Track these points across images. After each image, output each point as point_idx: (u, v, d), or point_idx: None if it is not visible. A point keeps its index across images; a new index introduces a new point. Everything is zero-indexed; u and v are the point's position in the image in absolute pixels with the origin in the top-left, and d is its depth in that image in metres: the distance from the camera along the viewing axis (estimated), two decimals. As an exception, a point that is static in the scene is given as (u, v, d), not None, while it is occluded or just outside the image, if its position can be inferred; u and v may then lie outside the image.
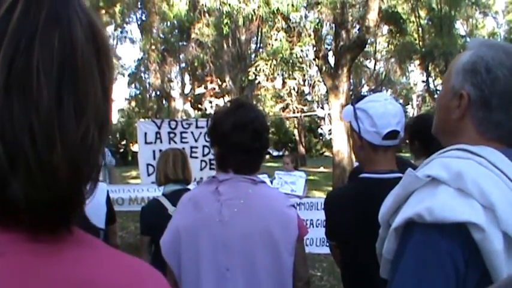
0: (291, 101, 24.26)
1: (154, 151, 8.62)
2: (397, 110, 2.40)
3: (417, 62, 30.71)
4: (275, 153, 44.87)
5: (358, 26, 17.37)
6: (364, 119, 2.40)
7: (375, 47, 31.22)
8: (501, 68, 1.38)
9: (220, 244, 2.27)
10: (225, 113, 2.47)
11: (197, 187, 2.68)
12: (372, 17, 16.07)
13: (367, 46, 23.24)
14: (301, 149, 37.92)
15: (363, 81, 38.26)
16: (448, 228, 1.21)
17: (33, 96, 0.67)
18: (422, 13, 27.71)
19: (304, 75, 19.91)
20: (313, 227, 7.88)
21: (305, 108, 32.16)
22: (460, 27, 35.02)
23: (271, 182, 8.89)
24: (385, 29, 23.75)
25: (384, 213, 1.48)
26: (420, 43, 27.36)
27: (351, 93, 22.19)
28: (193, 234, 2.30)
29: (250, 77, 17.63)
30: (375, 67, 35.77)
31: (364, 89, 37.94)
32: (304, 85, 25.96)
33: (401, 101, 41.34)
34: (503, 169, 1.29)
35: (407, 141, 3.99)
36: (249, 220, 2.30)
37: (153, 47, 29.24)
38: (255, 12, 15.74)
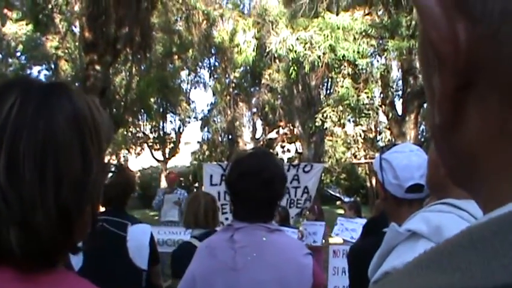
0: (357, 148, 24.02)
1: (219, 192, 8.78)
2: (421, 162, 2.30)
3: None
4: (346, 199, 44.06)
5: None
6: (388, 170, 2.35)
7: (447, 93, 30.52)
8: None
9: None
10: (236, 162, 2.52)
11: (214, 234, 2.72)
12: (440, 63, 15.84)
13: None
14: (372, 195, 37.17)
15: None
16: None
17: (19, 175, 0.91)
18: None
19: (371, 121, 19.77)
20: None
21: (376, 154, 31.58)
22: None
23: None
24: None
25: (371, 269, 1.48)
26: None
27: (422, 139, 21.73)
28: (207, 282, 2.32)
29: (317, 123, 17.65)
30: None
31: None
32: (372, 131, 25.67)
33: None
34: None
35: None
36: (262, 268, 2.30)
37: (225, 92, 29.74)
38: (320, 59, 15.87)
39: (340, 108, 16.67)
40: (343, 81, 16.56)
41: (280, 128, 35.15)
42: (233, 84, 30.11)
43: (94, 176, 1.02)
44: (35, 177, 0.92)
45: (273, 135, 36.72)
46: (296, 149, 34.96)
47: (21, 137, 0.92)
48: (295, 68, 17.74)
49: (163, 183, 23.93)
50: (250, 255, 2.32)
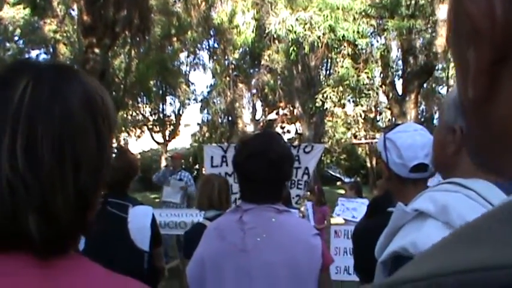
0: (358, 128, 24.03)
1: (220, 174, 8.82)
2: (426, 141, 2.30)
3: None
4: (347, 180, 44.07)
5: (426, 52, 17.14)
6: (392, 150, 2.35)
7: (447, 72, 30.61)
8: None
9: (244, 273, 2.29)
10: (243, 143, 2.52)
11: (222, 216, 2.72)
12: (440, 42, 15.85)
13: (439, 71, 22.76)
14: (373, 175, 37.24)
15: (435, 108, 37.41)
16: None
17: (38, 158, 0.89)
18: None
19: (372, 101, 19.80)
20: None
21: (377, 134, 31.70)
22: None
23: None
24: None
25: (377, 249, 1.48)
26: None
27: (422, 119, 21.72)
28: (217, 263, 2.33)
29: (317, 104, 17.65)
30: (447, 93, 34.73)
31: (437, 115, 37.09)
32: (372, 112, 25.72)
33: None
34: (493, 201, 1.26)
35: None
36: (272, 249, 2.30)
37: (224, 74, 29.70)
38: (320, 39, 15.84)
39: (340, 88, 16.69)
40: (343, 62, 16.56)
41: (280, 109, 35.14)
42: (232, 66, 30.05)
43: (107, 158, 1.03)
44: (54, 162, 0.91)
45: (272, 116, 36.71)
46: (296, 130, 34.96)
47: (38, 120, 0.91)
48: (295, 48, 17.71)
49: (163, 165, 23.96)
50: (259, 236, 2.32)
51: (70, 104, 0.96)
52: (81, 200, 0.95)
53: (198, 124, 37.16)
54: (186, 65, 34.28)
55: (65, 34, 27.35)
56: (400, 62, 19.69)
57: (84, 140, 0.96)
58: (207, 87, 38.54)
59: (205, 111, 34.76)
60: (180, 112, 35.84)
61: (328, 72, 25.21)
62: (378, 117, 27.81)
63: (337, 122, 29.87)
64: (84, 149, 0.96)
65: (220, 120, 34.03)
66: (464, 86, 0.46)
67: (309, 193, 9.71)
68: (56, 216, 0.91)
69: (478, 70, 0.43)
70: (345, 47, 16.39)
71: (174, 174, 10.97)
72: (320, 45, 16.28)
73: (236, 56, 29.44)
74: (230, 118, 33.29)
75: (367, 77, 16.40)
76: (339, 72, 16.81)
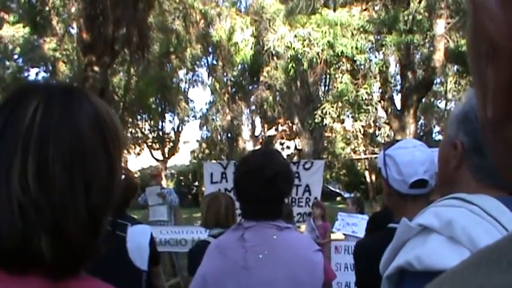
0: (357, 143, 24.05)
1: (220, 190, 8.81)
2: (425, 157, 2.31)
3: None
4: (346, 195, 43.92)
5: (424, 67, 17.20)
6: (391, 166, 2.35)
7: (446, 86, 30.63)
8: None
9: None
10: (241, 160, 2.53)
11: (224, 234, 2.71)
12: (438, 57, 15.93)
13: (437, 85, 22.76)
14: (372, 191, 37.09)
15: (434, 122, 37.37)
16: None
17: (49, 180, 0.90)
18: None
19: (371, 116, 19.85)
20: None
21: (376, 149, 31.59)
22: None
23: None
24: (455, 68, 23.34)
25: (382, 264, 1.48)
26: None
27: (421, 134, 21.67)
28: (219, 281, 2.33)
29: (316, 120, 17.69)
30: (446, 107, 34.90)
31: (436, 129, 37.13)
32: (371, 127, 25.72)
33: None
34: (497, 217, 1.26)
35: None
36: (274, 266, 2.30)
37: (223, 90, 29.77)
38: (319, 55, 15.92)
39: (339, 104, 16.74)
40: (341, 77, 16.63)
41: (279, 125, 35.15)
42: (231, 83, 30.14)
43: (118, 180, 1.03)
44: (65, 183, 0.91)
45: (272, 132, 36.72)
46: (295, 146, 34.92)
47: (49, 142, 0.91)
48: (294, 65, 17.77)
49: (163, 183, 23.95)
50: (261, 254, 2.32)
51: (80, 125, 0.96)
52: (93, 220, 0.95)
53: (198, 141, 37.19)
54: (185, 82, 34.41)
55: (64, 52, 27.42)
56: (398, 77, 19.79)
57: (94, 161, 0.97)
58: (206, 104, 38.62)
59: (205, 128, 34.82)
60: (180, 129, 35.84)
61: (327, 88, 25.26)
62: (377, 132, 27.76)
63: (336, 137, 29.87)
64: (94, 170, 0.96)
65: (219, 137, 34.04)
66: (483, 105, 0.46)
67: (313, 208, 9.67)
68: (68, 237, 0.91)
69: (497, 88, 0.43)
70: (343, 62, 16.47)
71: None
72: (319, 61, 16.37)
73: (235, 72, 29.54)
74: (229, 135, 33.29)
75: (366, 93, 16.46)
76: (337, 88, 16.88)
